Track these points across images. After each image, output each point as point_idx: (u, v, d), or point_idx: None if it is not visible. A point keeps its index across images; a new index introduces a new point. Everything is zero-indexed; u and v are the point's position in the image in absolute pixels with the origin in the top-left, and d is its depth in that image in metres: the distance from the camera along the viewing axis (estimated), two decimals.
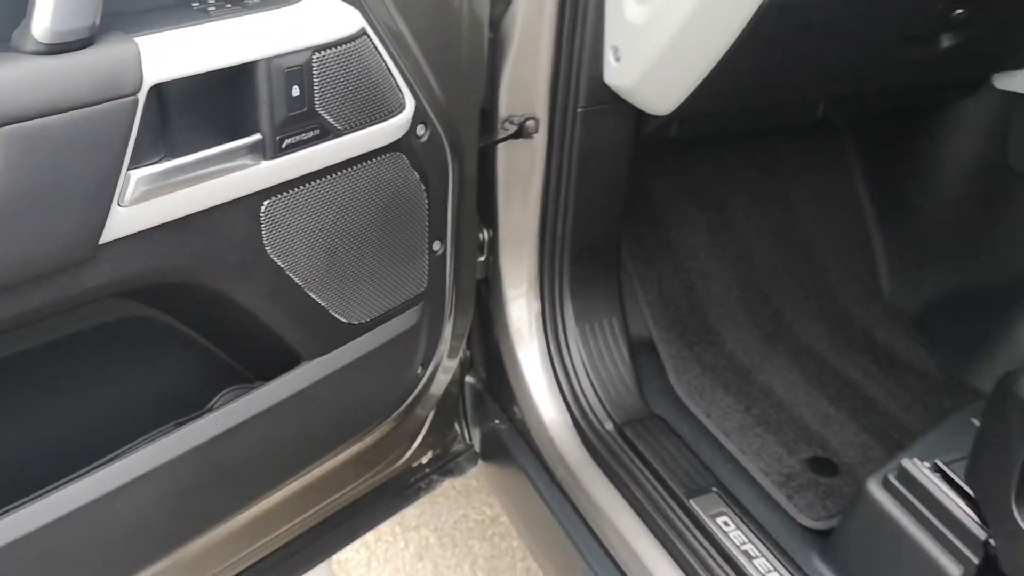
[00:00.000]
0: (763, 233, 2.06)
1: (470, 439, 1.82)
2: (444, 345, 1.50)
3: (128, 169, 0.80)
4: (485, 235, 1.59)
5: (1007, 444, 1.03)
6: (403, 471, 1.69)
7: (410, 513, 2.26)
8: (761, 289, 2.00)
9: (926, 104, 1.91)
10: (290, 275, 1.03)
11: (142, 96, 0.79)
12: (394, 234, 1.17)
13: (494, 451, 1.77)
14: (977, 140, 1.90)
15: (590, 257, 1.64)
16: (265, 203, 0.96)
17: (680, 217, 2.02)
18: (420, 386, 1.48)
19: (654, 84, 1.42)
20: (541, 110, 1.48)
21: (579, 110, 1.47)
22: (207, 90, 0.87)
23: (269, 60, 0.89)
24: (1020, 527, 1.02)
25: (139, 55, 0.78)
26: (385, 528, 2.22)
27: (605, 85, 1.46)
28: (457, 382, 1.74)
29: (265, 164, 0.93)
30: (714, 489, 1.46)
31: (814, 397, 1.77)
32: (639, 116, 1.55)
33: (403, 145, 1.14)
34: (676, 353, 1.83)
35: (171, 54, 0.81)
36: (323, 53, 0.94)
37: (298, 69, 0.91)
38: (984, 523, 1.12)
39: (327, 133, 0.98)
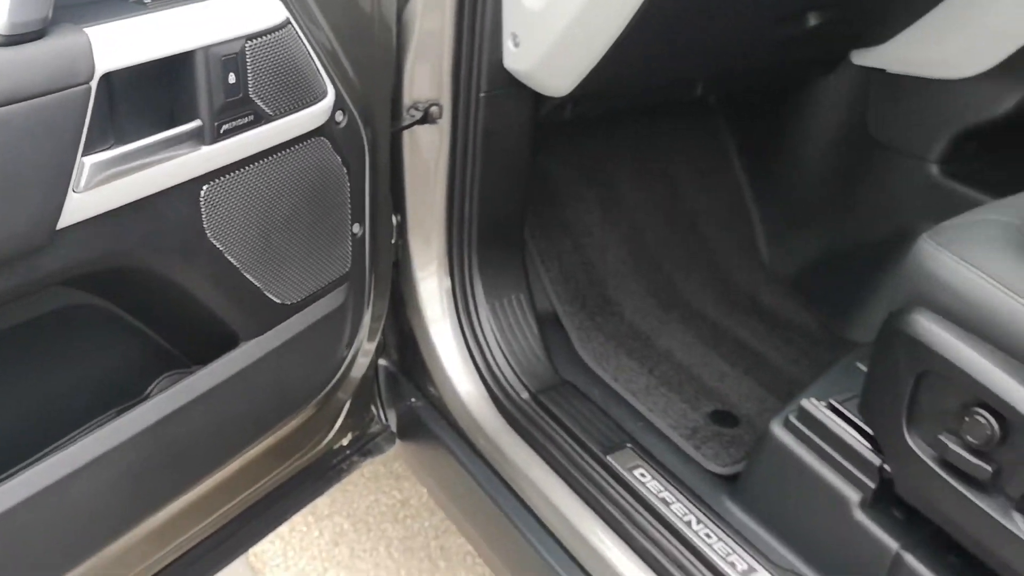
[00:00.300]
0: (651, 208, 2.18)
1: (386, 420, 1.87)
2: (365, 328, 1.54)
3: (82, 155, 0.82)
4: (395, 219, 1.64)
5: (895, 376, 1.16)
6: (324, 454, 1.73)
7: (322, 503, 2.28)
8: (653, 260, 2.13)
9: (791, 82, 2.07)
10: (228, 257, 1.06)
11: (94, 84, 0.81)
12: (320, 216, 1.21)
13: (411, 429, 1.83)
14: (839, 113, 2.06)
15: (496, 237, 1.71)
16: (204, 187, 0.99)
17: (574, 196, 2.12)
18: (343, 369, 1.52)
19: (551, 68, 1.49)
20: (445, 96, 1.53)
21: (481, 95, 1.53)
22: (151, 79, 0.89)
23: (207, 48, 0.92)
24: (912, 449, 1.15)
25: (90, 45, 0.81)
26: (298, 519, 2.24)
27: (505, 70, 1.52)
28: (373, 365, 1.79)
29: (205, 149, 0.96)
30: (628, 445, 1.56)
31: (710, 357, 1.90)
32: (537, 99, 1.63)
33: (326, 131, 1.18)
34: (580, 324, 1.92)
35: (120, 44, 0.84)
36: (255, 41, 0.98)
37: (233, 57, 0.95)
38: (878, 451, 1.26)
39: (260, 119, 1.02)
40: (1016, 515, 1.05)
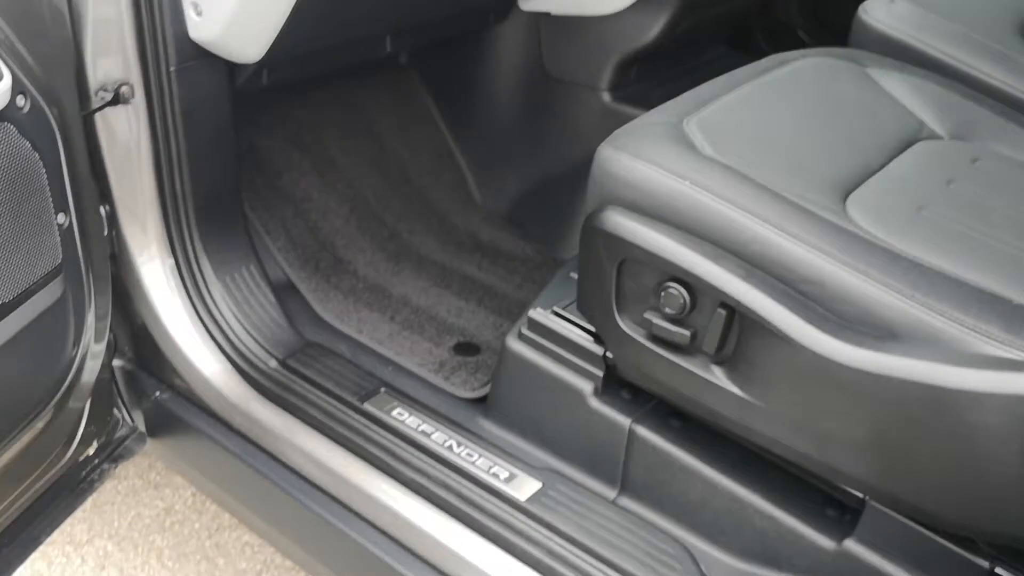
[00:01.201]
0: (363, 164, 2.25)
1: (133, 421, 1.82)
2: (90, 330, 1.49)
3: None
4: (103, 210, 1.59)
5: (600, 271, 1.31)
6: (70, 469, 1.66)
7: (79, 529, 2.18)
8: (376, 215, 2.20)
9: (471, 30, 2.20)
10: None
11: None
12: (21, 205, 1.19)
13: (162, 425, 1.79)
14: (518, 56, 2.24)
15: (215, 211, 1.70)
16: None
17: (287, 164, 2.14)
18: (71, 375, 1.47)
19: (237, 34, 1.50)
20: (134, 75, 1.50)
21: (171, 69, 1.52)
22: None
23: None
24: (625, 332, 1.31)
25: None
26: (54, 550, 2.13)
27: (192, 41, 1.52)
28: (107, 367, 1.73)
29: None
30: (382, 389, 1.63)
31: (444, 296, 2.01)
32: (231, 68, 1.63)
33: (9, 115, 1.15)
34: (316, 287, 1.96)
35: None
36: None
37: None
38: (600, 342, 1.41)
39: None
40: (715, 368, 1.23)
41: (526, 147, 2.31)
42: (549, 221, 2.22)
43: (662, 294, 1.24)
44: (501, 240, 2.25)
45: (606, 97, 2.14)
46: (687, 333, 1.23)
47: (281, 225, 2.04)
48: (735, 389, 1.20)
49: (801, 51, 1.56)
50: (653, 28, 2.05)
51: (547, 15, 2.13)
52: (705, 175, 1.21)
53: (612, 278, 1.30)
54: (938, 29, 1.67)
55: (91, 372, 1.56)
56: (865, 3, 1.72)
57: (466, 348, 1.84)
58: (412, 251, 2.16)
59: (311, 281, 1.98)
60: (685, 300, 1.21)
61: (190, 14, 1.49)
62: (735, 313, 1.18)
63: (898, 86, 1.50)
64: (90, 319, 1.49)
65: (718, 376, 1.22)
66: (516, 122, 2.31)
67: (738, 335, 1.19)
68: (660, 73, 2.18)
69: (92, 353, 1.53)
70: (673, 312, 1.23)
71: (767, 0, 2.59)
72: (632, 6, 2.00)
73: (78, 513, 1.86)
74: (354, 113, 2.29)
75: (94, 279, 1.47)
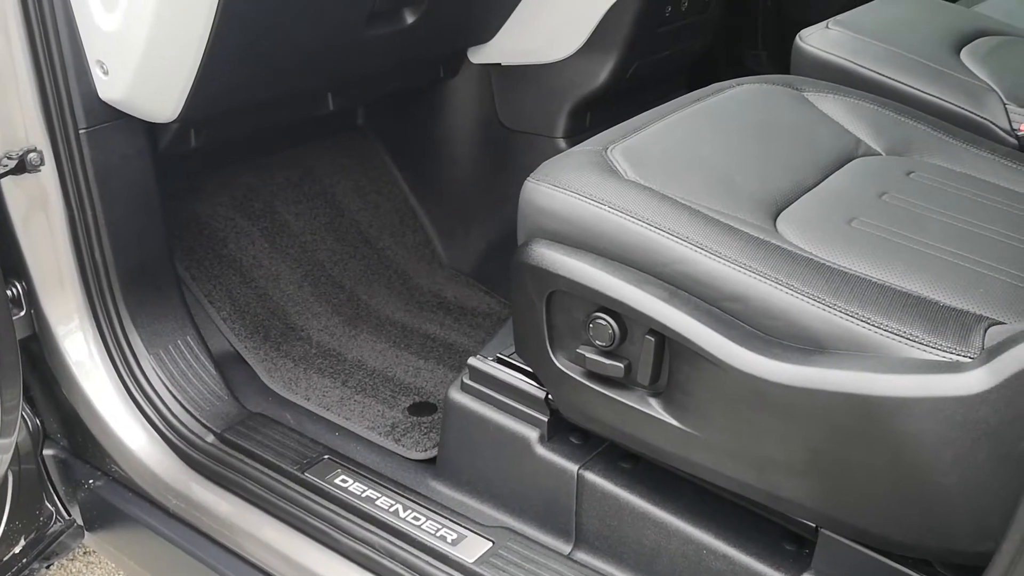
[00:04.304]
0: (318, 229, 2.28)
1: (69, 514, 1.81)
2: None
3: None
4: (18, 287, 1.62)
5: (531, 307, 1.31)
6: None
7: None
8: (332, 279, 2.22)
9: (421, 85, 2.25)
10: None
11: None
12: None
13: (100, 515, 1.78)
14: (471, 109, 2.29)
15: (144, 281, 1.72)
16: None
17: (234, 231, 2.17)
18: None
19: (147, 92, 1.54)
20: (41, 140, 1.53)
21: (81, 132, 1.55)
22: None
23: None
24: (561, 370, 1.31)
25: None
26: None
27: (103, 102, 1.56)
28: (32, 458, 1.74)
29: None
30: (326, 456, 1.63)
31: (403, 356, 2.02)
32: (151, 128, 1.67)
33: None
34: (264, 356, 1.98)
35: None
36: None
37: None
38: (541, 384, 1.41)
39: None
40: (651, 400, 1.23)
41: (488, 201, 2.34)
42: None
43: (590, 326, 1.24)
44: (466, 297, 2.27)
45: (563, 144, 2.18)
46: (620, 365, 1.22)
47: (227, 294, 2.07)
48: (673, 421, 1.20)
49: (739, 79, 1.60)
50: (601, 73, 2.11)
51: (498, 66, 2.19)
52: (625, 198, 1.23)
53: (542, 313, 1.30)
54: (873, 51, 1.73)
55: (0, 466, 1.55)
56: (802, 31, 1.78)
57: (421, 408, 1.84)
58: (371, 313, 2.18)
59: (259, 351, 1.99)
60: (614, 330, 1.22)
61: (97, 73, 1.53)
62: (665, 339, 1.18)
63: (835, 107, 1.53)
64: None
65: (656, 409, 1.22)
66: (477, 177, 2.35)
67: (670, 363, 1.19)
68: (618, 117, 2.21)
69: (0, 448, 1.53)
70: (604, 344, 1.23)
71: (733, 35, 2.65)
72: (579, 52, 2.08)
73: None
74: (309, 177, 2.34)
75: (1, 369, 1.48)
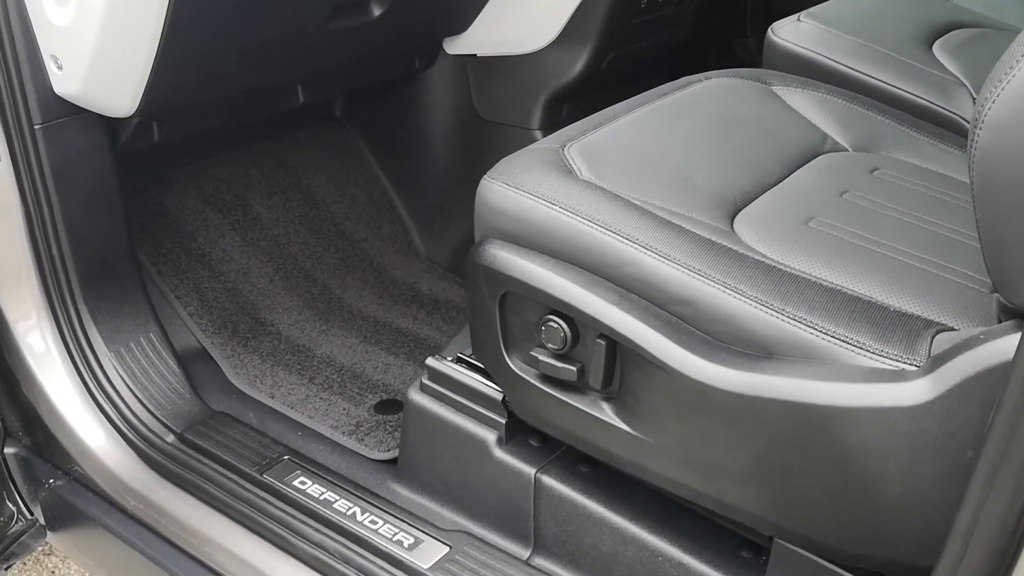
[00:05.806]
0: (292, 222, 2.27)
1: (31, 513, 1.81)
2: None
3: None
4: None
5: (485, 308, 1.30)
6: None
7: None
8: (305, 272, 2.21)
9: (396, 77, 2.23)
10: None
11: None
12: None
13: (61, 515, 1.78)
14: (448, 100, 2.27)
15: (103, 277, 1.71)
16: None
17: (203, 225, 2.16)
18: None
19: (103, 86, 1.52)
20: None
21: (36, 127, 1.54)
22: None
23: None
24: (515, 372, 1.30)
25: None
26: None
27: (59, 97, 1.55)
28: None
29: None
30: (286, 457, 1.62)
31: (372, 352, 2.01)
32: (111, 123, 1.66)
33: None
34: (231, 352, 1.96)
35: None
36: None
37: None
38: (497, 386, 1.40)
39: None
40: (604, 404, 1.21)
41: (465, 192, 2.31)
42: None
43: (543, 328, 1.23)
44: (440, 290, 2.26)
45: (539, 136, 2.16)
46: (573, 369, 1.21)
47: (194, 289, 2.05)
48: (624, 426, 1.18)
49: (707, 72, 1.58)
50: (576, 64, 2.09)
51: (473, 57, 2.17)
52: (577, 199, 1.21)
53: (496, 315, 1.29)
54: (844, 45, 1.71)
55: None
56: (774, 23, 1.76)
57: (388, 406, 1.83)
58: (344, 307, 2.16)
59: (226, 347, 1.98)
60: (566, 333, 1.20)
61: (51, 68, 1.52)
62: (616, 343, 1.16)
63: (803, 101, 1.51)
64: None
65: (608, 413, 1.21)
66: (454, 168, 2.33)
67: (622, 367, 1.18)
68: (594, 109, 2.20)
69: None
70: (556, 347, 1.22)
71: (721, 24, 2.63)
72: (554, 43, 2.06)
73: None
74: (283, 170, 2.32)
75: None
